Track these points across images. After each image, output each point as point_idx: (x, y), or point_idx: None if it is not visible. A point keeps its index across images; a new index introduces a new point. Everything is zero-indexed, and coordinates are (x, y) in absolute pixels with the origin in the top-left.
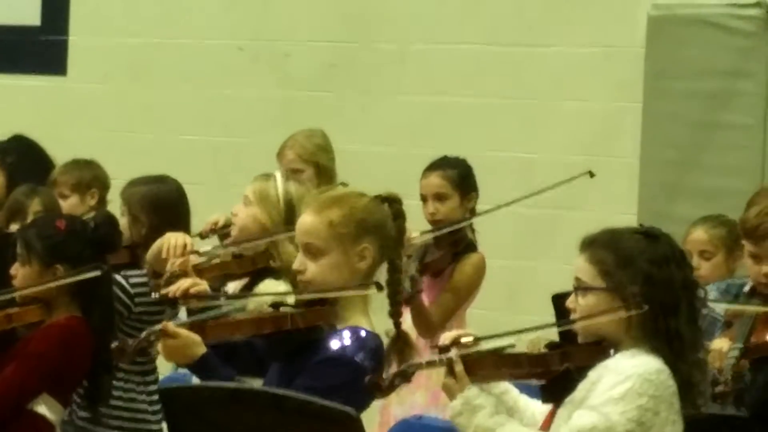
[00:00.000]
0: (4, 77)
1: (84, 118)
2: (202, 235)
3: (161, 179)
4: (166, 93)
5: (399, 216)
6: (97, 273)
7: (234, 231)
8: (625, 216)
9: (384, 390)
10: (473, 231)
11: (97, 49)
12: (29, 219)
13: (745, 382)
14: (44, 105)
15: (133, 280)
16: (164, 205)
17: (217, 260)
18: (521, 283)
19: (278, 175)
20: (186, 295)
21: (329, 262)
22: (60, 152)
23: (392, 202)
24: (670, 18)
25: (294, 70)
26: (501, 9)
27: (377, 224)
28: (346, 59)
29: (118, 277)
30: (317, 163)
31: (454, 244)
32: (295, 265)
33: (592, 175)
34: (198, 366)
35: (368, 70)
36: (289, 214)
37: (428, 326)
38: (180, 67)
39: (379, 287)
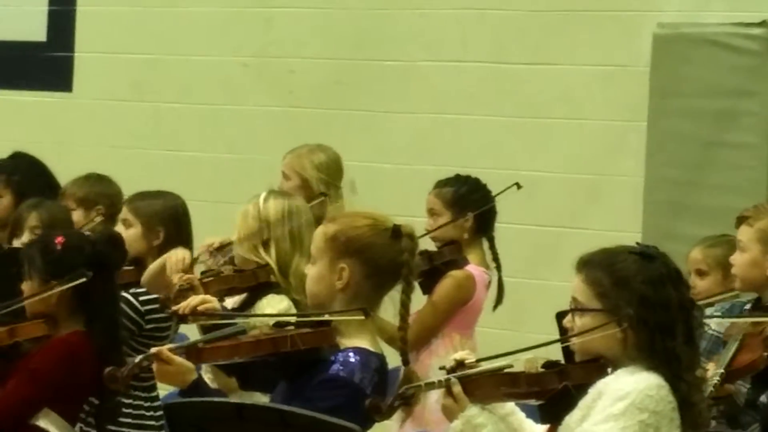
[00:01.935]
0: (9, 93)
1: (89, 134)
2: (199, 259)
3: (169, 194)
4: (171, 109)
5: (408, 251)
6: (82, 280)
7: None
8: (629, 234)
9: (383, 412)
10: (493, 247)
11: (103, 66)
12: (25, 233)
13: (738, 404)
14: (50, 121)
15: (142, 298)
16: (181, 218)
17: (220, 274)
18: (526, 302)
19: (261, 197)
20: (195, 313)
21: (316, 271)
22: (65, 168)
23: (404, 236)
24: (675, 37)
25: (298, 86)
26: (506, 27)
27: (360, 249)
28: (351, 76)
29: (128, 295)
30: (303, 178)
31: (429, 259)
32: (306, 269)
33: (519, 186)
34: (189, 391)
35: (373, 87)
36: (266, 233)
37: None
38: (185, 84)
39: (366, 313)
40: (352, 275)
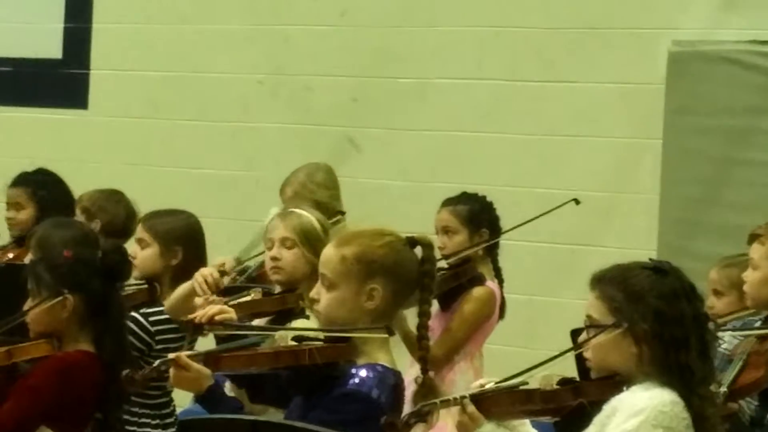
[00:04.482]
0: (25, 110)
1: (105, 152)
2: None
3: (184, 212)
4: (187, 126)
5: (428, 261)
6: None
7: (281, 275)
8: (644, 252)
9: (399, 430)
10: (497, 263)
11: (118, 83)
12: (30, 253)
13: (743, 422)
14: (66, 138)
15: (152, 318)
16: (198, 237)
17: (247, 298)
18: (541, 319)
19: (306, 210)
20: (212, 322)
21: (337, 296)
22: (81, 185)
23: (422, 245)
24: (690, 54)
25: (314, 104)
26: (521, 45)
27: (391, 267)
28: (367, 93)
29: (137, 315)
30: (316, 201)
31: (455, 276)
32: (312, 293)
33: (577, 202)
34: (204, 397)
35: (389, 105)
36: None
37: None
38: (200, 101)
39: (390, 332)
40: (384, 294)
